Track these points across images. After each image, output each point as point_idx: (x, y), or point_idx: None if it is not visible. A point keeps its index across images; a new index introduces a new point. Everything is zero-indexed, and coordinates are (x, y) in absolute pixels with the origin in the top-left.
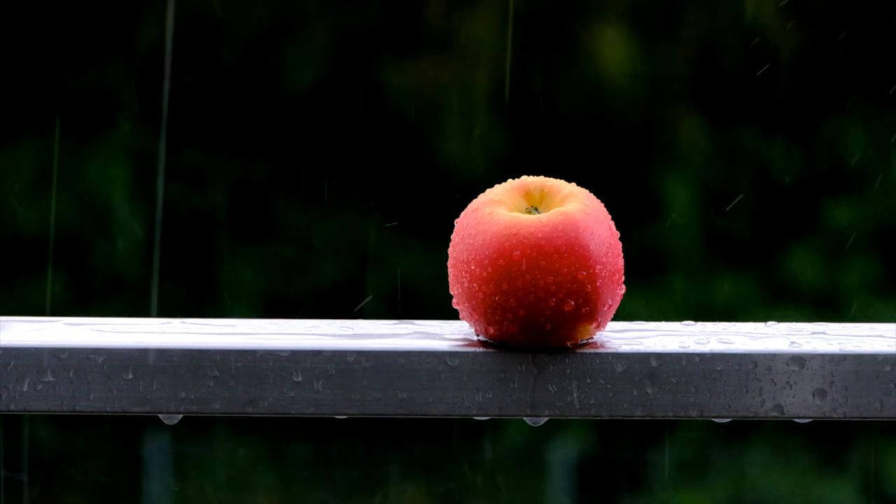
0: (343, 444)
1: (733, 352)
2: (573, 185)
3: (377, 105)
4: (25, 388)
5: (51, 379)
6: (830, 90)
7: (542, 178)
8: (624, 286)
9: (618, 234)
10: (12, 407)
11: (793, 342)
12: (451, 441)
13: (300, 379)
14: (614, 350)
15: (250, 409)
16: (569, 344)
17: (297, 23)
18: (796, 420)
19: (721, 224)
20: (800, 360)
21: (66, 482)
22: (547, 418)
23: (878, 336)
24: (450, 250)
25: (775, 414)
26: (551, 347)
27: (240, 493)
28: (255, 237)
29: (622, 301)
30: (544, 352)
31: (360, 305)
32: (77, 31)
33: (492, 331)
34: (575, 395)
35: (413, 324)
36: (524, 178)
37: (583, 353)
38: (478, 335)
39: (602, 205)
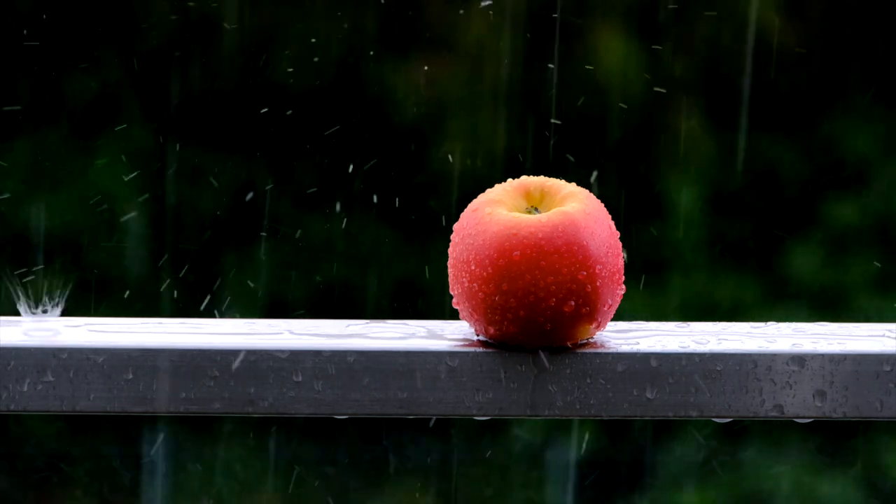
0: (343, 444)
1: (733, 352)
2: (573, 185)
3: (376, 104)
4: (25, 388)
5: (51, 379)
6: (832, 89)
7: (542, 178)
8: (624, 286)
9: (618, 234)
10: (12, 407)
11: (793, 342)
12: (450, 441)
13: (300, 379)
14: (614, 350)
15: (250, 409)
16: (569, 344)
17: (296, 22)
18: (796, 420)
19: (722, 224)
20: (800, 360)
21: (66, 482)
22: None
23: (878, 336)
24: (450, 250)
25: (775, 414)
26: (551, 347)
27: (240, 492)
28: (256, 237)
29: (622, 301)
30: (544, 352)
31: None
32: (78, 29)
33: (492, 331)
34: (575, 395)
35: (413, 324)
36: (524, 178)
37: (583, 353)
38: (478, 335)
39: (602, 205)
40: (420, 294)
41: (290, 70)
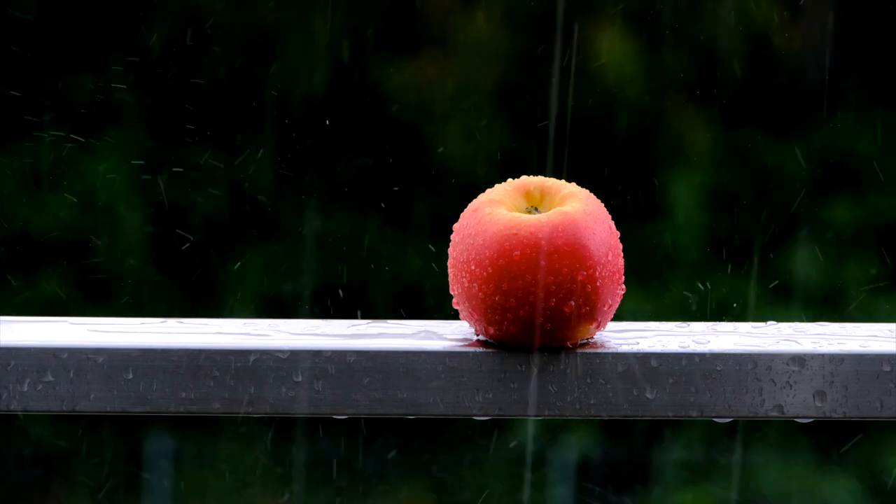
0: (343, 443)
1: (733, 352)
2: (573, 184)
3: (376, 104)
4: (25, 388)
5: (51, 379)
6: (832, 89)
7: (541, 177)
8: (624, 286)
9: (618, 234)
10: (12, 407)
11: (793, 342)
12: (450, 441)
13: (300, 379)
14: (614, 350)
15: (250, 409)
16: (569, 344)
17: (296, 22)
18: (796, 420)
19: (722, 223)
20: (800, 360)
21: (66, 482)
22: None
23: (878, 336)
24: (450, 250)
25: (775, 414)
26: (551, 347)
27: (240, 492)
28: (256, 237)
29: (623, 301)
30: (544, 352)
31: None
32: (78, 30)
33: (492, 331)
34: (575, 395)
35: (413, 324)
36: (524, 178)
37: (583, 353)
38: (478, 335)
39: (602, 205)
40: (421, 294)
41: (291, 69)
